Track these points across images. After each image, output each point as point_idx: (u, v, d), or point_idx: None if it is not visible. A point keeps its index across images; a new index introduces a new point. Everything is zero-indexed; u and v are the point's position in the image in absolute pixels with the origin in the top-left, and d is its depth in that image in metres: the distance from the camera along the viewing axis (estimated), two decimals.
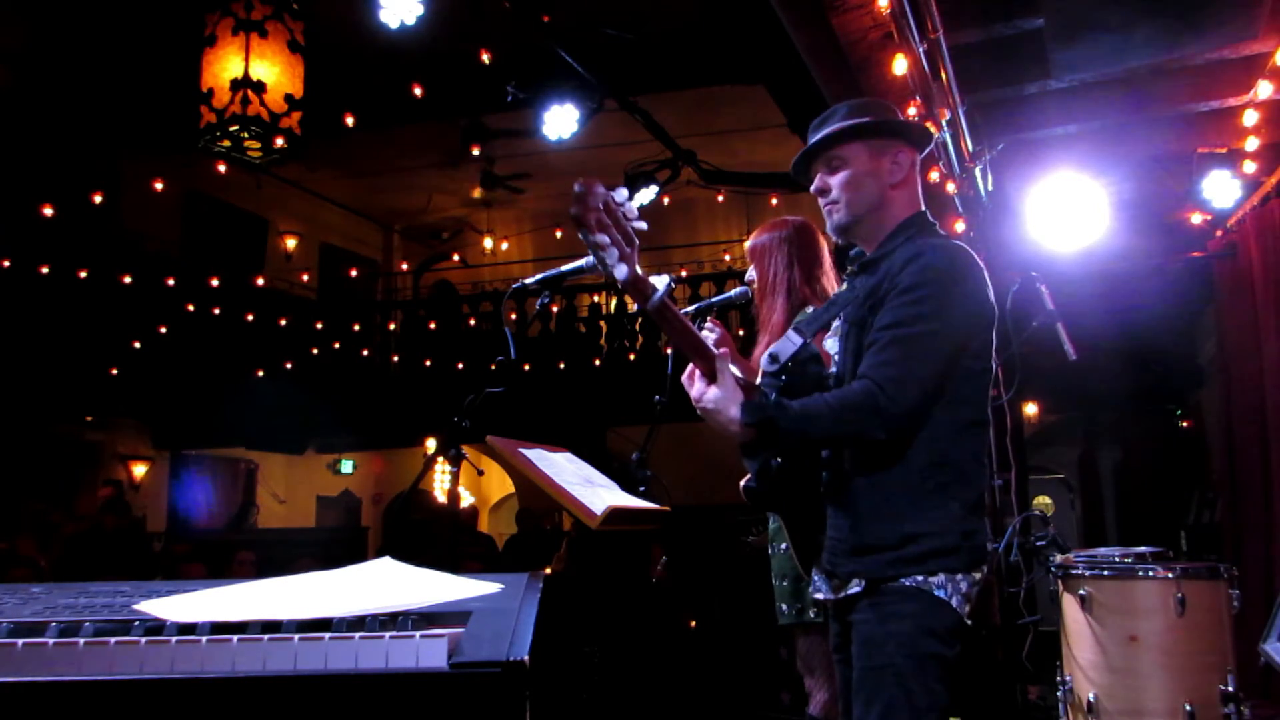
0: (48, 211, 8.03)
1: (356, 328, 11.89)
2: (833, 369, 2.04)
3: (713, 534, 6.68)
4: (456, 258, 14.17)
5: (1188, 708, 3.16)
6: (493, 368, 2.25)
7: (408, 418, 10.94)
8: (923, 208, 2.01)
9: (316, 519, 12.82)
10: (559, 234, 11.94)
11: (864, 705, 1.80)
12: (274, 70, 6.31)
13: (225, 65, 6.23)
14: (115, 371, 9.56)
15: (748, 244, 2.85)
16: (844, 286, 2.07)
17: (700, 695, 5.48)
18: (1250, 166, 4.97)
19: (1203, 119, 4.94)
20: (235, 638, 1.16)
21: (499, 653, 1.15)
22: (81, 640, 1.16)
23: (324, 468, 13.03)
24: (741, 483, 2.06)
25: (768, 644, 5.37)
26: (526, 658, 1.14)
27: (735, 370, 1.79)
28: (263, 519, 12.01)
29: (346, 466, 13.21)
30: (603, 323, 11.70)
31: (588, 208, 1.52)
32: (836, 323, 2.06)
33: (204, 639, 1.16)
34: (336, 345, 11.47)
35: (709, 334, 2.49)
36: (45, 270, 8.74)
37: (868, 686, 1.80)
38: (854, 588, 1.87)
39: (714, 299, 2.80)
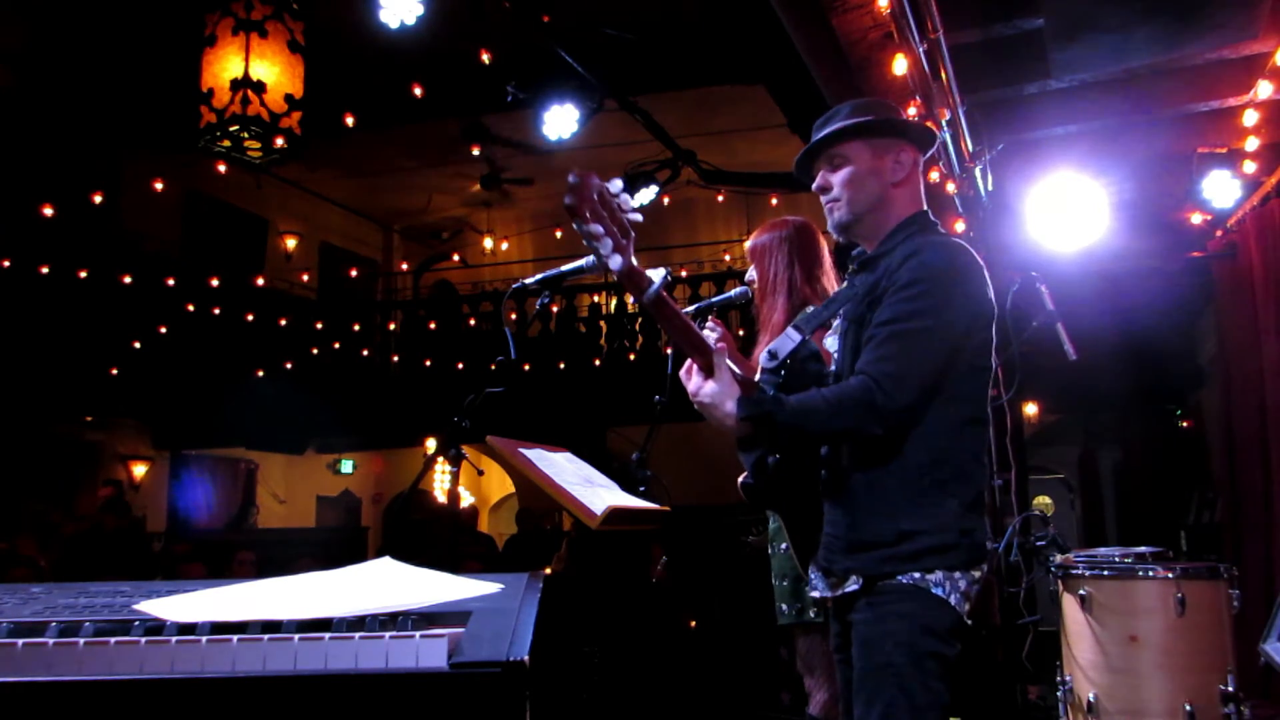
0: (48, 211, 8.03)
1: (356, 328, 11.89)
2: (833, 367, 2.04)
3: (713, 534, 6.67)
4: (456, 258, 14.17)
5: (1188, 708, 3.16)
6: (493, 368, 2.25)
7: (408, 418, 10.94)
8: (924, 207, 2.01)
9: (316, 519, 12.82)
10: (559, 234, 11.94)
11: (864, 705, 1.80)
12: (274, 70, 6.31)
13: (225, 65, 6.24)
14: (115, 371, 9.56)
15: (748, 244, 2.84)
16: (844, 285, 2.07)
17: (700, 695, 5.48)
18: (1250, 166, 4.97)
19: (1203, 119, 4.94)
20: (235, 638, 1.16)
21: (499, 653, 1.15)
22: (81, 640, 1.16)
23: (324, 468, 13.03)
24: (739, 479, 2.06)
25: (768, 644, 5.37)
26: (526, 658, 1.14)
27: (733, 366, 1.79)
28: (263, 519, 12.01)
29: (346, 466, 13.21)
30: (603, 323, 11.70)
31: (582, 198, 1.52)
32: (837, 321, 2.07)
33: (204, 639, 1.16)
34: (336, 345, 11.46)
35: (710, 333, 2.49)
36: (45, 270, 8.74)
37: (868, 687, 1.80)
38: (851, 585, 1.86)
39: (714, 299, 2.80)
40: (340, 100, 7.53)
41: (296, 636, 1.16)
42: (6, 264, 8.48)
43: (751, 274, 2.78)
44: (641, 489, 2.30)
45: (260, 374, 10.57)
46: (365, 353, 11.67)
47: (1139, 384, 7.52)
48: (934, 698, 1.76)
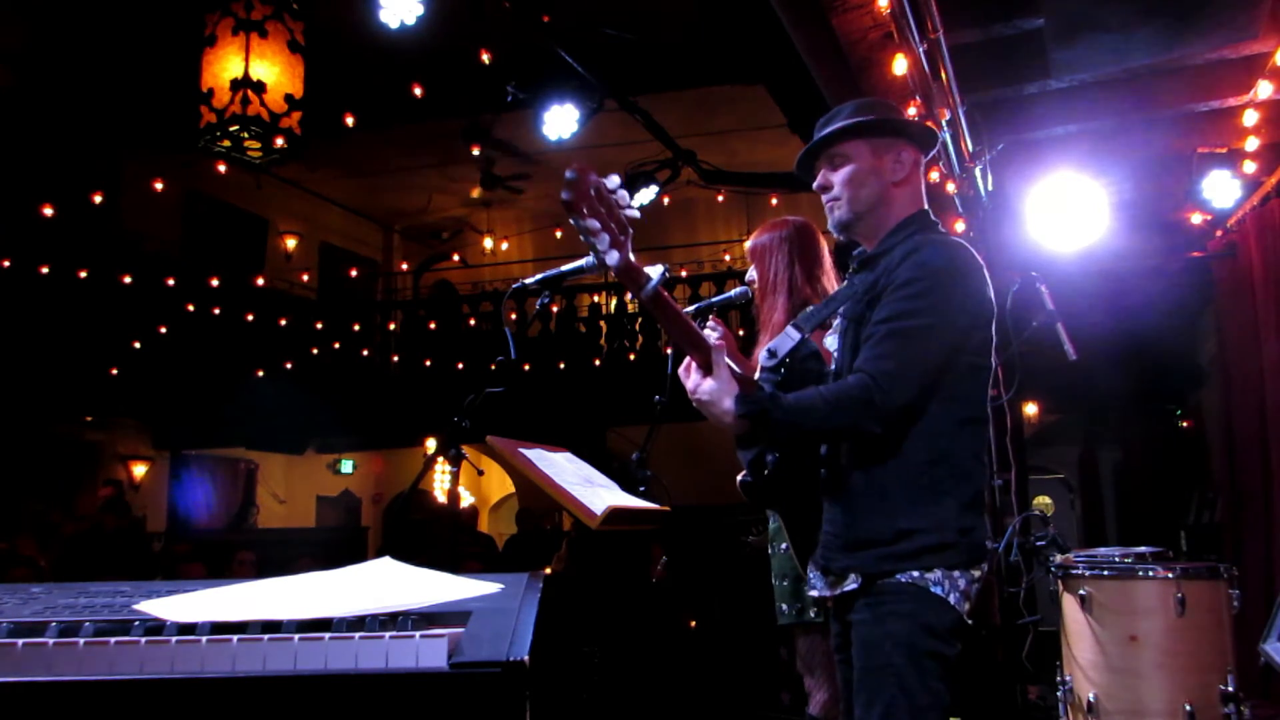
0: (48, 211, 8.03)
1: (356, 328, 11.89)
2: (832, 366, 2.04)
3: (713, 534, 6.68)
4: (456, 258, 14.17)
5: (1188, 708, 3.16)
6: (493, 368, 2.25)
7: (408, 418, 10.94)
8: (925, 206, 2.01)
9: (316, 519, 12.82)
10: (559, 234, 11.94)
11: (864, 706, 1.80)
12: (274, 70, 6.31)
13: (225, 65, 6.24)
14: (115, 371, 9.55)
15: (748, 244, 2.84)
16: (844, 284, 2.07)
17: (700, 695, 5.48)
18: (1250, 166, 4.97)
19: (1203, 119, 4.94)
20: (235, 638, 1.16)
21: (499, 653, 1.15)
22: (81, 640, 1.16)
23: (324, 468, 13.03)
24: (738, 478, 2.06)
25: (768, 644, 5.37)
26: (526, 658, 1.14)
27: (732, 364, 1.79)
28: (263, 519, 12.01)
29: (346, 466, 13.21)
30: (603, 323, 11.69)
31: (579, 193, 1.52)
32: (837, 320, 2.06)
33: (204, 639, 1.16)
34: (336, 345, 11.46)
35: (711, 332, 2.49)
36: (45, 270, 8.74)
37: (868, 687, 1.80)
38: (850, 584, 1.86)
39: (714, 299, 2.80)
40: (340, 100, 7.53)
41: (296, 636, 1.16)
42: (6, 264, 8.48)
43: (752, 274, 2.78)
44: (641, 489, 2.30)
45: (260, 374, 10.57)
46: (365, 353, 11.68)
47: (1139, 384, 7.52)
48: (934, 698, 1.76)
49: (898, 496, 1.83)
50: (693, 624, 6.05)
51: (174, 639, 1.16)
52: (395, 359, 12.14)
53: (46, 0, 7.61)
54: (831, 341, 2.10)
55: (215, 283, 10.01)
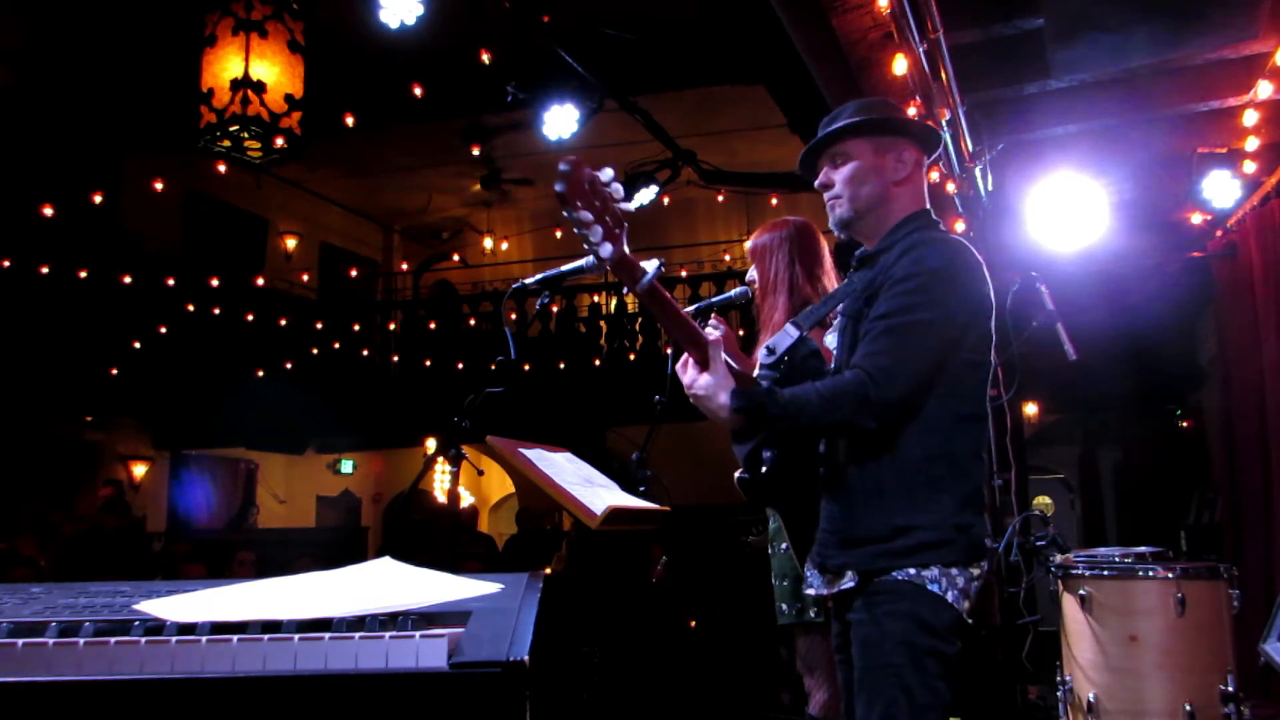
0: (48, 211, 8.03)
1: (356, 328, 11.89)
2: (832, 365, 2.04)
3: (713, 534, 6.68)
4: (456, 258, 14.17)
5: (1188, 708, 3.16)
6: (493, 368, 2.25)
7: (408, 418, 10.94)
8: (927, 206, 2.01)
9: (316, 519, 12.82)
10: (559, 234, 11.94)
11: (865, 706, 1.80)
12: (274, 70, 6.31)
13: (225, 65, 6.24)
14: (115, 371, 9.55)
15: (749, 244, 2.84)
16: (844, 282, 2.07)
17: (700, 695, 5.48)
18: (1250, 166, 4.97)
19: (1203, 119, 4.94)
20: (235, 638, 1.16)
21: (499, 653, 1.15)
22: (81, 640, 1.16)
23: (324, 468, 13.03)
24: (736, 475, 2.06)
25: (768, 644, 5.37)
26: (526, 658, 1.14)
27: (730, 360, 1.79)
28: (263, 519, 12.01)
29: (346, 466, 13.21)
30: (603, 323, 11.69)
31: (572, 186, 1.52)
32: (838, 319, 2.06)
33: (204, 639, 1.16)
34: (336, 345, 11.46)
35: (713, 331, 2.49)
36: (45, 270, 8.74)
37: (868, 687, 1.80)
38: (847, 583, 1.86)
39: (714, 299, 2.79)
40: (340, 100, 7.53)
41: (296, 636, 1.16)
42: (6, 264, 8.48)
43: (752, 274, 2.78)
44: (641, 489, 2.30)
45: (260, 374, 10.57)
46: (365, 353, 11.68)
47: (1139, 384, 7.52)
48: (934, 697, 1.76)
49: (895, 493, 1.82)
50: (693, 624, 6.05)
51: (174, 639, 1.16)
52: (395, 359, 12.14)
53: (46, 0, 7.61)
54: (832, 340, 2.10)
55: (215, 283, 10.01)
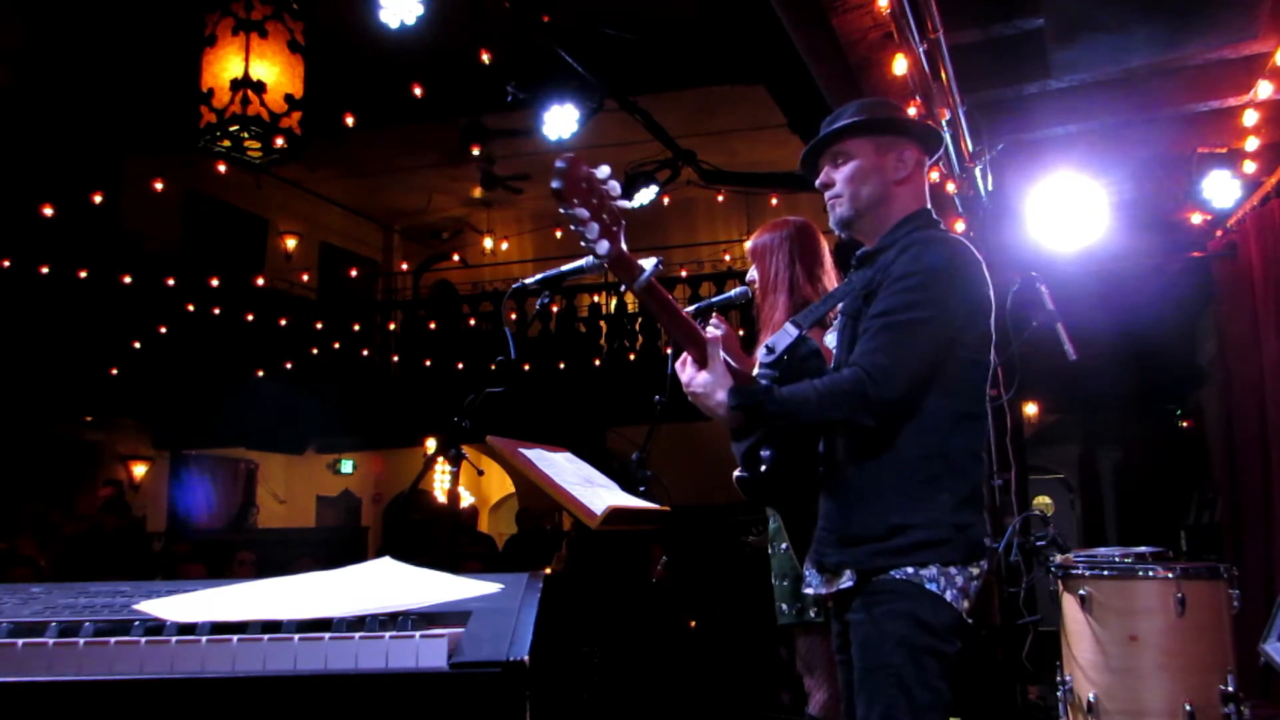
0: (48, 211, 8.03)
1: (356, 328, 11.89)
2: (832, 364, 2.04)
3: (713, 534, 6.67)
4: (456, 258, 14.17)
5: (1188, 708, 3.16)
6: (493, 368, 2.25)
7: (408, 418, 10.94)
8: (927, 205, 2.01)
9: (316, 519, 12.82)
10: (559, 234, 11.94)
11: (865, 706, 1.80)
12: (274, 70, 6.31)
13: (225, 65, 6.24)
14: (115, 371, 9.56)
15: (749, 244, 2.84)
16: (844, 281, 2.07)
17: (700, 695, 5.48)
18: (1250, 166, 4.97)
19: (1203, 119, 4.94)
20: (235, 638, 1.16)
21: (499, 653, 1.15)
22: (81, 640, 1.16)
23: (324, 468, 13.03)
24: (734, 474, 2.06)
25: (768, 644, 5.37)
26: (526, 658, 1.14)
27: (729, 358, 1.79)
28: (263, 519, 12.01)
29: (346, 466, 13.21)
30: (603, 323, 11.70)
31: (569, 182, 1.52)
32: (838, 318, 2.06)
33: (204, 639, 1.16)
34: (336, 345, 11.47)
35: (714, 330, 2.49)
36: (45, 270, 8.74)
37: (868, 687, 1.80)
38: (845, 582, 1.86)
39: (714, 299, 2.79)
40: (340, 100, 7.53)
41: (296, 636, 1.16)
42: (6, 264, 8.48)
43: (752, 274, 2.78)
44: (641, 489, 2.30)
45: (260, 374, 10.58)
46: (365, 353, 11.68)
47: (1139, 384, 7.52)
48: (934, 697, 1.75)
49: (892, 492, 1.82)
50: (693, 624, 6.05)
51: (174, 639, 1.16)
52: (395, 359, 12.14)
53: (46, 0, 7.61)
54: (832, 339, 2.10)
55: (215, 283, 10.01)
